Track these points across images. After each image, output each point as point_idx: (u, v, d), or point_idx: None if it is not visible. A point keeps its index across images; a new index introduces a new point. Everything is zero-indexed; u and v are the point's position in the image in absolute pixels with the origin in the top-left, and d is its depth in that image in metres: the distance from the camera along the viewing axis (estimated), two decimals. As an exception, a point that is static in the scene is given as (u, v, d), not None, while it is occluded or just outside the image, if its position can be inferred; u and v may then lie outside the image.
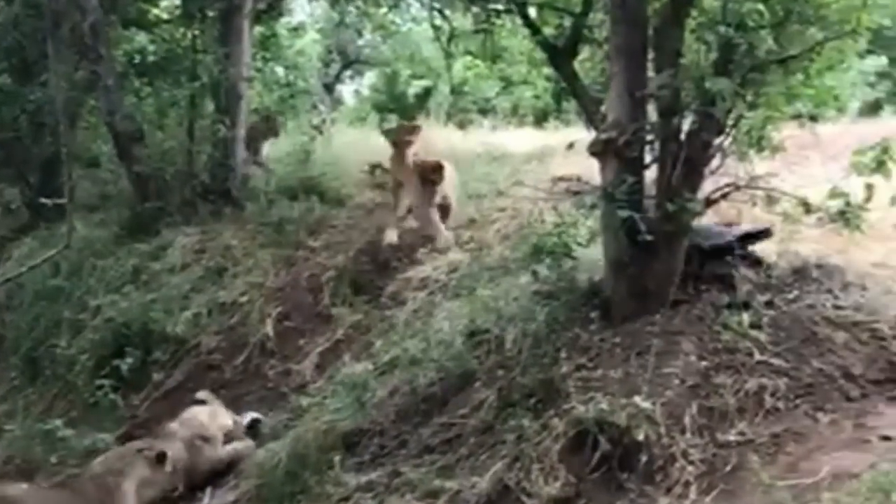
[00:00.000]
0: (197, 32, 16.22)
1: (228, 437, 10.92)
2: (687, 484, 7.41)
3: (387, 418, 9.57)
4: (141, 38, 17.46)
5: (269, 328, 12.69)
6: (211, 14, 16.11)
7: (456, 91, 25.49)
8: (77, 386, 13.22)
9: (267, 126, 16.72)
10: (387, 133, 14.25)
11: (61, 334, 13.98)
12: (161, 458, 10.10)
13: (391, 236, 13.28)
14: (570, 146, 9.76)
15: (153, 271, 14.25)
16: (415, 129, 13.87)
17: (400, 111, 24.36)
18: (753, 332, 8.43)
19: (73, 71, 15.99)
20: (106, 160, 17.61)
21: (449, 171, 13.14)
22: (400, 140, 13.59)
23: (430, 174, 12.70)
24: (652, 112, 8.96)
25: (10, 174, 17.55)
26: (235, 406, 11.56)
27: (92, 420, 12.48)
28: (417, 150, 13.52)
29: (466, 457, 8.61)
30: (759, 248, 9.72)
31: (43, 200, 14.33)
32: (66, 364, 13.56)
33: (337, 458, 9.21)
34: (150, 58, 16.74)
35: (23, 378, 14.16)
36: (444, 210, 13.09)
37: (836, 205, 8.65)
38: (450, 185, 13.13)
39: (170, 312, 13.26)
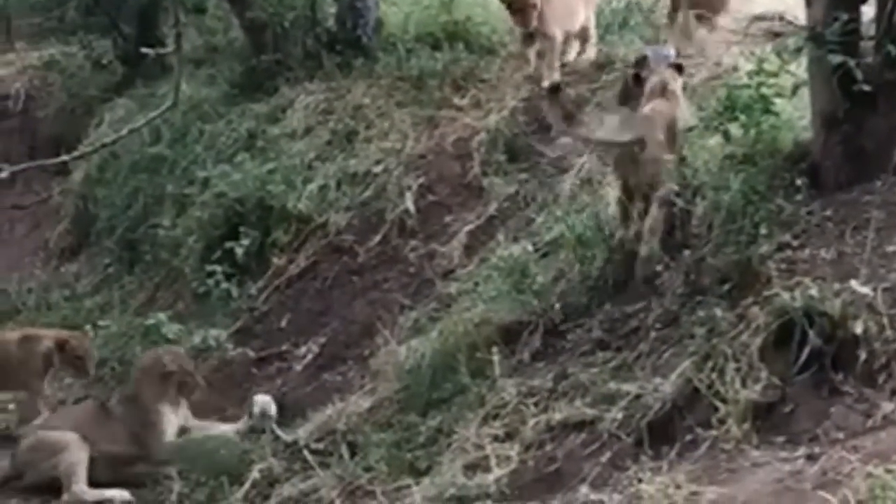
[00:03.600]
0: None
1: None
2: (917, 387, 7.36)
3: (551, 309, 9.62)
4: None
5: (409, 203, 12.73)
6: None
7: None
8: (183, 273, 13.57)
9: None
10: None
11: (164, 212, 14.34)
12: None
13: (552, 76, 13.19)
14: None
15: (271, 136, 14.34)
16: None
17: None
18: None
19: None
20: (213, 5, 17.70)
21: None
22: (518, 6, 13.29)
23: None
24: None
25: (101, 23, 17.80)
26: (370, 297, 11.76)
27: (202, 313, 12.81)
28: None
29: (647, 354, 8.65)
30: None
31: (145, 50, 14.26)
32: (170, 247, 13.92)
33: (493, 357, 9.31)
34: None
35: (119, 265, 14.61)
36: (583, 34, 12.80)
37: None
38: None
39: (291, 185, 13.33)
